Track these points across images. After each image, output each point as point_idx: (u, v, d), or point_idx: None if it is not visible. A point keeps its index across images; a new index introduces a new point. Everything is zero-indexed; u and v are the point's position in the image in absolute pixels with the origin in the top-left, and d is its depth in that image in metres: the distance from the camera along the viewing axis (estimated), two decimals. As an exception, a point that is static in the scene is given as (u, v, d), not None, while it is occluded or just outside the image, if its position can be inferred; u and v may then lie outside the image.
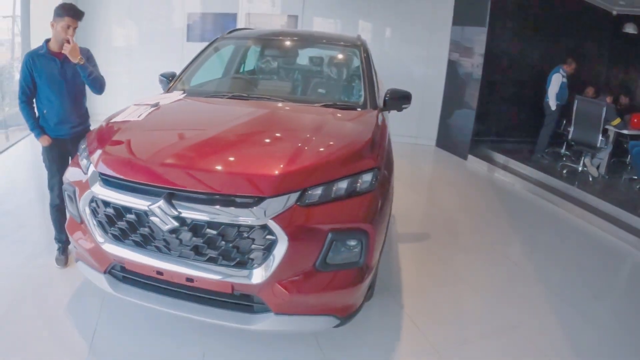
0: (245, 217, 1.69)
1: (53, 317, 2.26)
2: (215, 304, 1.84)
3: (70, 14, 2.48)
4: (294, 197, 1.73)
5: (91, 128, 2.63)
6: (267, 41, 3.53)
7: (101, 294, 2.43)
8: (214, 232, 1.73)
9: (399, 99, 2.78)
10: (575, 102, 5.44)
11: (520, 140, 6.67)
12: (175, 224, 1.72)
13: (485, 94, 6.26)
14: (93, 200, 1.92)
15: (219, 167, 1.81)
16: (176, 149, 1.96)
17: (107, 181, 1.88)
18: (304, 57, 3.55)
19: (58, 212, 2.70)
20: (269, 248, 1.73)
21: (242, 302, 1.83)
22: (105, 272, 1.98)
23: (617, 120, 5.19)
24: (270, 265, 1.71)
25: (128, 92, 5.38)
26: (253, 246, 1.74)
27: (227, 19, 6.75)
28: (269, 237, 1.71)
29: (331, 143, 2.04)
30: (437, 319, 2.53)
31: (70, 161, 2.55)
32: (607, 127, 5.29)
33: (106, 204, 1.88)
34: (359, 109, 2.63)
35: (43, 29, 2.54)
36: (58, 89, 2.58)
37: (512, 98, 6.74)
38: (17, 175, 4.42)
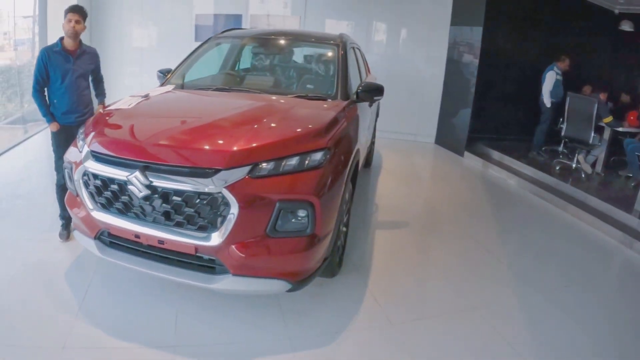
0: (204, 186, 1.95)
1: (52, 280, 2.57)
2: (183, 265, 2.11)
3: (71, 9, 2.86)
4: (245, 170, 1.99)
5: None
6: (254, 40, 3.81)
7: (94, 262, 2.75)
8: (179, 198, 2.00)
9: (371, 92, 3.01)
10: (568, 99, 5.50)
11: (517, 137, 6.71)
12: (148, 191, 2.00)
13: (481, 92, 6.36)
14: (85, 174, 2.23)
15: (184, 144, 2.09)
16: (152, 130, 2.26)
17: (97, 157, 2.19)
18: (287, 55, 3.80)
19: (63, 191, 2.98)
20: (223, 213, 1.98)
21: (205, 264, 2.09)
22: (95, 238, 2.28)
23: (610, 118, 5.20)
24: (225, 229, 1.97)
25: (139, 88, 5.73)
26: (211, 212, 2.00)
27: (233, 19, 7.07)
28: (223, 203, 1.97)
29: (286, 126, 2.29)
30: (398, 297, 2.67)
31: None
32: (600, 124, 5.31)
33: (95, 176, 2.18)
34: (329, 100, 2.86)
35: (59, 30, 2.93)
36: (68, 82, 2.92)
37: (509, 96, 6.79)
38: (31, 165, 4.81)
